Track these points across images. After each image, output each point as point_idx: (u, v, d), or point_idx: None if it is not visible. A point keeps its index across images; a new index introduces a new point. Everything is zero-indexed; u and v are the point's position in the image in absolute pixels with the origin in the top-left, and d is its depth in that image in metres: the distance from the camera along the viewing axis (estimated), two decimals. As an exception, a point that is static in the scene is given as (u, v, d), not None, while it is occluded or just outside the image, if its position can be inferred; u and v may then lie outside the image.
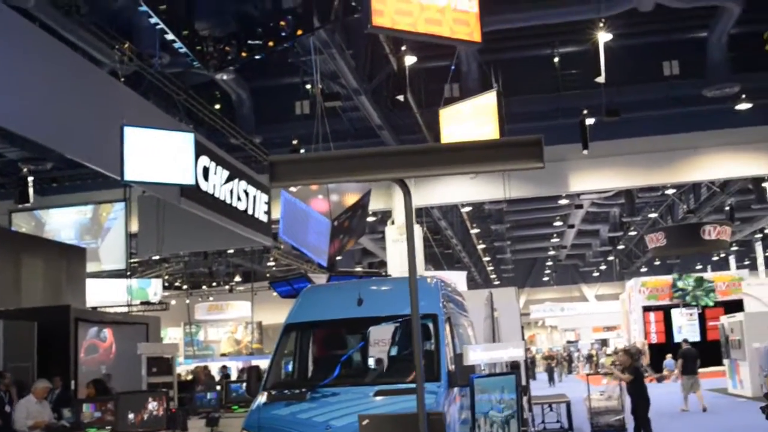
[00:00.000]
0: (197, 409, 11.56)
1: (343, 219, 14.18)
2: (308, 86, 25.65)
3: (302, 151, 20.97)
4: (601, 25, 19.24)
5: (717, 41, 22.44)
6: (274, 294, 39.89)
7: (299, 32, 10.68)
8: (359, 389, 7.48)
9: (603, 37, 19.19)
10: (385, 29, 8.31)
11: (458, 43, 8.68)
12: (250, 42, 10.82)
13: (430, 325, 7.95)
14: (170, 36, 10.28)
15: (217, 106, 22.43)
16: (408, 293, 8.47)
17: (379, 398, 7.12)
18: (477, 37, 8.66)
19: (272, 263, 37.70)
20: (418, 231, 26.25)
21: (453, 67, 16.50)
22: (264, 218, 19.54)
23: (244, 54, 10.97)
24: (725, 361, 23.75)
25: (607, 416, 13.15)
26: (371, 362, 8.46)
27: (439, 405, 6.98)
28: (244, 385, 12.08)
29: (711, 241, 30.24)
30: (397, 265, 25.03)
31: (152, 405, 8.39)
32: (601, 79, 18.47)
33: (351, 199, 14.41)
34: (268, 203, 19.63)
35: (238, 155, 21.27)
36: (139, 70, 15.76)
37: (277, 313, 41.91)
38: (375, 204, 22.67)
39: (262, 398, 7.48)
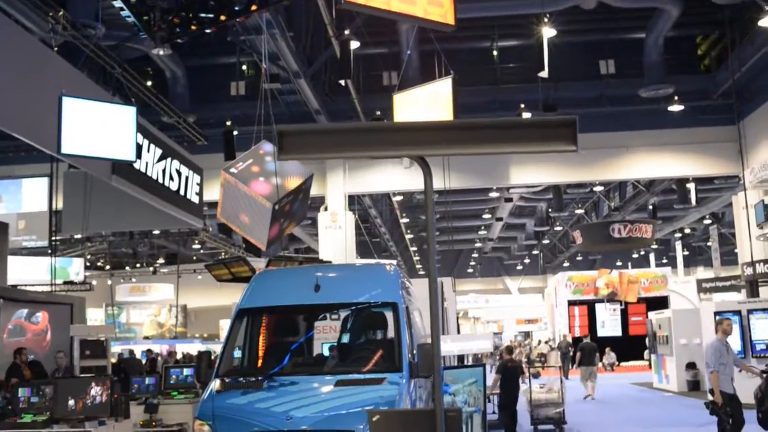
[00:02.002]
0: (134, 395, 11.09)
1: (285, 203, 13.82)
2: (244, 67, 25.21)
3: (235, 133, 20.47)
4: (546, 20, 19.26)
5: (654, 43, 22.78)
6: (200, 277, 39.33)
7: (254, 7, 10.25)
8: (318, 378, 7.20)
9: (547, 32, 19.20)
10: (358, 5, 8.00)
11: (431, 24, 8.42)
12: (201, 15, 10.35)
13: (391, 314, 7.73)
14: (118, 3, 9.75)
15: (150, 83, 21.74)
16: (366, 279, 8.30)
17: (340, 388, 6.85)
18: (451, 19, 8.45)
19: (198, 246, 36.95)
20: (350, 219, 26.00)
21: (409, 52, 16.21)
22: (196, 199, 19.00)
23: (194, 27, 10.50)
24: (652, 356, 24.24)
25: (547, 408, 13.19)
26: (329, 351, 8.20)
27: (402, 396, 6.77)
28: (186, 370, 11.69)
29: (632, 239, 30.73)
30: (329, 251, 24.74)
31: (95, 390, 7.95)
32: (544, 74, 18.45)
33: (293, 182, 14.06)
34: (201, 184, 19.10)
35: (171, 134, 20.66)
36: (72, 41, 15.05)
37: (202, 296, 41.26)
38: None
39: (214, 386, 7.12)
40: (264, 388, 6.91)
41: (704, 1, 19.45)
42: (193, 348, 30.35)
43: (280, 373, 7.17)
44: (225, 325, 41.82)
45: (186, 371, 11.77)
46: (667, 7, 20.76)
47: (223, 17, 10.36)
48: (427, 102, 11.82)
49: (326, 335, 8.53)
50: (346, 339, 8.33)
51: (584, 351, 23.76)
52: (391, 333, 7.78)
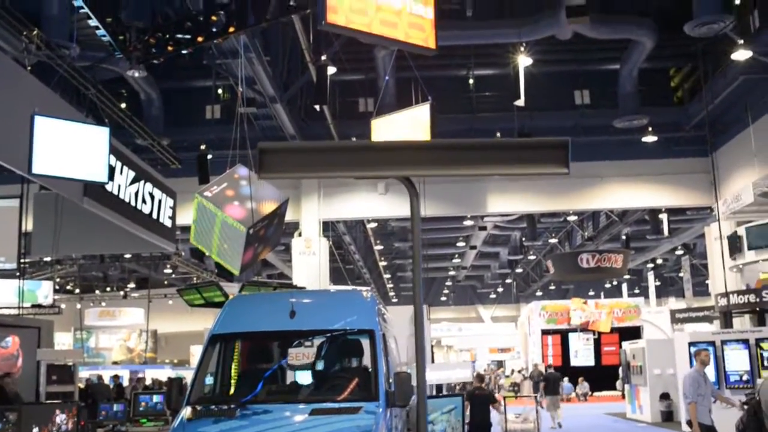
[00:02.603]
0: (102, 422, 10.79)
1: (259, 227, 13.67)
2: (220, 90, 25.08)
3: (209, 156, 20.28)
4: (522, 49, 19.39)
5: (628, 74, 22.97)
6: (171, 302, 38.84)
7: (231, 29, 10.18)
8: (292, 407, 7.01)
9: (523, 61, 19.33)
10: (338, 27, 7.93)
11: (413, 48, 8.37)
12: (178, 36, 10.23)
13: (367, 342, 7.58)
14: (93, 22, 9.61)
15: (124, 105, 21.55)
16: (342, 306, 8.16)
17: (315, 417, 6.67)
18: (432, 43, 8.40)
19: (169, 270, 36.51)
20: (324, 245, 25.83)
21: (387, 78, 16.18)
22: (168, 223, 18.77)
23: (170, 48, 10.39)
24: (625, 387, 24.21)
25: (522, 439, 13.06)
26: (304, 378, 8.01)
27: (378, 426, 6.61)
28: (156, 396, 11.42)
29: (601, 269, 30.77)
30: (302, 277, 24.51)
31: (60, 418, 7.69)
32: (520, 103, 18.56)
33: (268, 207, 13.93)
34: (174, 207, 18.88)
35: (145, 156, 20.45)
36: (46, 60, 14.86)
37: (172, 321, 40.74)
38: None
39: (185, 414, 6.90)
40: (236, 416, 6.71)
41: (678, 34, 19.62)
42: (163, 374, 29.88)
43: (254, 401, 6.98)
44: (196, 351, 41.41)
45: (156, 398, 11.50)
46: (641, 39, 20.95)
47: (200, 38, 10.27)
48: (405, 127, 11.77)
49: (301, 362, 8.35)
50: (321, 366, 8.15)
51: (549, 381, 24.59)
52: (367, 361, 7.63)
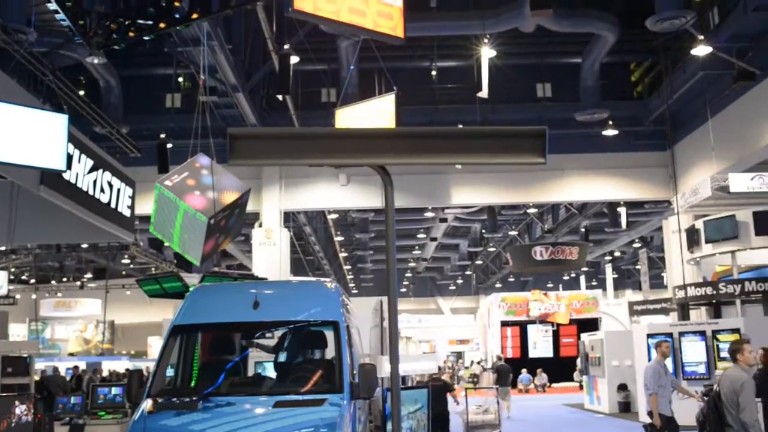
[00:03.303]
0: (59, 416, 10.57)
1: (220, 217, 13.52)
2: (180, 79, 24.77)
3: (169, 145, 20.01)
4: (486, 41, 19.40)
5: (590, 68, 23.15)
6: (128, 292, 38.38)
7: (195, 16, 9.99)
8: (256, 399, 6.91)
9: (487, 53, 19.33)
10: (306, 14, 7.80)
11: (381, 36, 8.27)
12: (140, 21, 10.03)
13: (331, 333, 7.50)
14: (53, 6, 9.38)
15: (82, 92, 21.18)
16: (306, 297, 8.07)
17: (278, 410, 6.58)
18: (400, 32, 8.32)
19: (127, 260, 36.05)
20: (285, 235, 25.67)
21: (352, 67, 16.08)
22: (127, 212, 18.49)
23: (131, 33, 10.18)
24: (584, 378, 24.44)
25: (484, 430, 13.08)
26: (267, 370, 7.92)
27: (342, 418, 6.54)
28: (114, 389, 11.22)
29: (555, 261, 30.96)
30: (263, 268, 24.33)
31: (20, 409, 7.51)
32: (483, 95, 18.55)
33: (230, 197, 13.78)
34: (133, 197, 18.61)
35: (103, 145, 20.12)
36: (2, 45, 14.52)
37: (130, 312, 40.29)
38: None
39: (146, 406, 6.77)
40: (199, 409, 6.59)
41: (639, 29, 19.81)
42: (121, 365, 29.50)
43: (216, 394, 6.86)
44: (153, 342, 41.00)
45: (114, 390, 11.30)
46: (603, 33, 21.11)
47: (162, 25, 10.09)
48: (370, 117, 11.69)
49: (267, 354, 8.26)
50: (285, 358, 8.07)
51: (500, 372, 24.99)
52: (331, 352, 7.56)
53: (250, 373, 8.40)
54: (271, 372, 7.82)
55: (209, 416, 6.51)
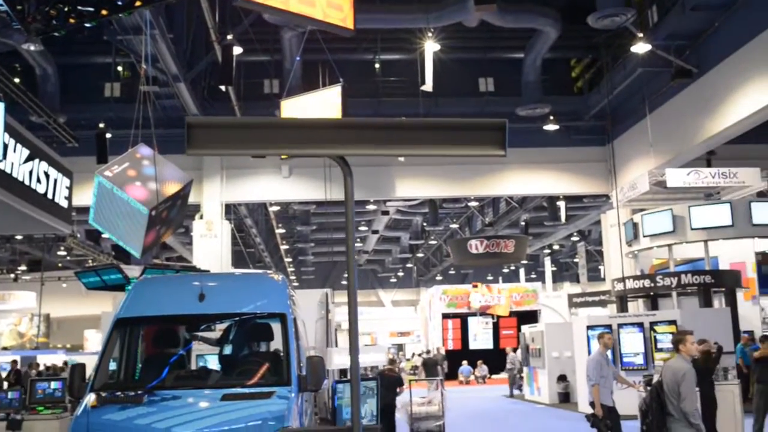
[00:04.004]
0: (-6, 411, 10.30)
1: (162, 209, 13.32)
2: (120, 68, 24.32)
3: (108, 135, 19.62)
4: (430, 34, 19.48)
5: (532, 63, 23.40)
6: (65, 285, 37.47)
7: (138, 3, 9.77)
8: (202, 392, 6.81)
9: (431, 47, 19.42)
10: (254, 3, 7.72)
11: (330, 27, 8.21)
12: (80, 8, 9.78)
13: (278, 326, 7.44)
14: (-11, -10, 9.09)
15: (18, 80, 20.64)
16: (252, 289, 8.00)
17: (225, 402, 6.50)
18: (350, 23, 8.27)
19: (64, 252, 35.26)
20: (226, 228, 25.42)
21: (298, 58, 15.96)
22: (64, 203, 18.10)
23: (72, 20, 9.90)
24: (524, 369, 24.76)
25: (428, 422, 13.16)
26: (213, 363, 7.82)
27: (291, 411, 6.50)
28: (54, 383, 10.97)
29: (490, 254, 31.16)
30: (203, 260, 24.06)
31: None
32: (428, 88, 18.64)
33: (172, 188, 13.58)
34: (70, 187, 18.23)
35: (40, 134, 19.66)
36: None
37: (66, 305, 39.40)
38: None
39: (89, 400, 6.62)
40: (144, 402, 6.48)
41: (580, 26, 20.09)
42: (57, 359, 28.87)
43: (162, 387, 6.75)
44: (90, 335, 40.16)
45: (54, 384, 11.04)
46: (546, 29, 21.35)
47: (104, 12, 9.83)
48: (315, 108, 11.63)
49: (210, 347, 8.16)
50: (231, 351, 7.98)
51: (427, 365, 25.45)
52: (278, 345, 7.50)
53: (193, 366, 8.28)
54: (214, 365, 7.72)
55: (155, 410, 6.40)
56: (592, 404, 10.21)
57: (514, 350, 28.10)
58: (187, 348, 8.05)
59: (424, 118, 2.74)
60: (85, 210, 20.86)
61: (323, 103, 11.66)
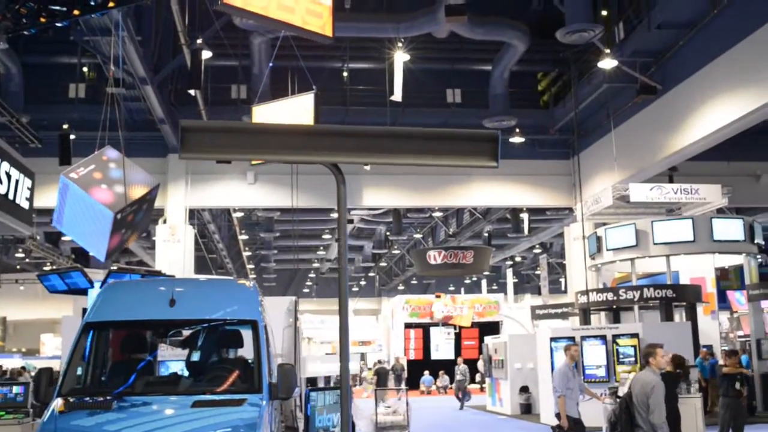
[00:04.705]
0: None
1: (128, 212, 13.19)
2: (85, 68, 24.04)
3: (72, 137, 19.37)
4: (401, 45, 19.56)
5: (500, 76, 23.56)
6: (22, 288, 36.88)
7: (111, 4, 9.68)
8: (173, 399, 6.73)
9: (401, 57, 19.50)
10: (235, 9, 7.69)
11: (309, 34, 8.21)
12: (52, 7, 9.66)
13: (249, 332, 7.39)
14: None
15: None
16: (224, 295, 7.93)
17: (196, 410, 6.42)
18: (329, 31, 8.28)
19: (22, 254, 34.70)
20: (190, 233, 25.21)
21: (271, 64, 15.91)
22: (25, 205, 17.84)
23: (43, 19, 9.78)
24: (487, 380, 24.81)
25: (393, 431, 13.15)
26: (184, 369, 7.73)
27: (262, 419, 6.45)
28: (15, 387, 10.75)
29: (447, 265, 31.29)
30: (166, 265, 23.81)
31: None
32: (397, 98, 18.71)
33: (138, 192, 13.48)
34: (32, 189, 17.96)
35: (2, 134, 19.40)
36: None
37: (23, 308, 38.73)
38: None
39: (57, 406, 6.51)
40: (113, 408, 6.38)
41: (548, 40, 20.29)
42: (12, 363, 28.36)
43: (131, 393, 6.65)
44: (47, 339, 39.49)
45: (16, 389, 10.84)
46: (514, 42, 21.53)
47: (76, 12, 9.72)
48: (287, 115, 11.59)
49: (181, 353, 8.06)
50: (202, 357, 7.89)
51: (379, 375, 26.12)
52: (249, 352, 7.44)
53: (168, 372, 8.18)
54: (189, 372, 7.63)
55: (124, 416, 6.30)
56: (558, 416, 10.28)
57: (465, 362, 28.24)
58: (155, 354, 7.95)
59: (421, 128, 2.76)
60: (45, 212, 20.59)
61: (296, 110, 11.63)
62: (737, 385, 12.25)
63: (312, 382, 10.63)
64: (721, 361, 20.11)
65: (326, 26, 8.20)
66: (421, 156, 2.97)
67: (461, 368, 27.33)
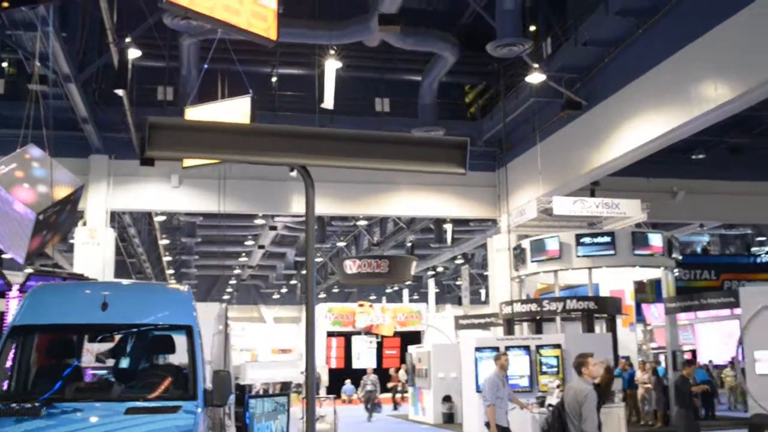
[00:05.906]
0: None
1: (51, 213, 12.83)
2: (5, 64, 23.29)
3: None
4: (332, 52, 19.55)
5: (429, 86, 23.72)
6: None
7: (43, -3, 9.41)
8: (104, 405, 6.53)
9: (332, 64, 19.49)
10: (180, 7, 7.55)
11: (253, 37, 8.12)
12: (-21, -2, 9.34)
13: (184, 338, 7.24)
14: None
15: None
16: (158, 300, 7.76)
17: (130, 416, 6.25)
18: (273, 34, 8.21)
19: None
20: (111, 236, 24.61)
21: (206, 66, 15.68)
22: (-60, 204, 17.13)
23: (-30, 11, 9.44)
24: (409, 389, 24.87)
25: (320, 440, 13.07)
26: (116, 374, 7.52)
27: (197, 426, 6.32)
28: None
29: (362, 275, 31.24)
30: (85, 269, 23.17)
31: None
32: (328, 105, 18.68)
33: (62, 192, 13.12)
34: (-52, 187, 17.26)
35: None
36: None
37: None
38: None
39: (-19, 412, 6.25)
40: (43, 415, 6.15)
41: (478, 53, 20.55)
42: None
43: (61, 399, 6.43)
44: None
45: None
46: (445, 53, 21.72)
47: (5, 4, 9.43)
48: (223, 118, 11.44)
49: (112, 358, 7.86)
50: (135, 363, 7.71)
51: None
52: (183, 357, 7.30)
53: (100, 377, 7.96)
54: (121, 377, 7.43)
55: (54, 423, 6.09)
56: (487, 424, 10.37)
57: (375, 371, 28.39)
58: (84, 359, 7.73)
59: (390, 133, 2.76)
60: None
61: (231, 113, 11.50)
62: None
63: (241, 389, 10.49)
64: (638, 374, 20.69)
65: (271, 29, 8.14)
66: (391, 161, 2.96)
67: (371, 378, 27.35)
